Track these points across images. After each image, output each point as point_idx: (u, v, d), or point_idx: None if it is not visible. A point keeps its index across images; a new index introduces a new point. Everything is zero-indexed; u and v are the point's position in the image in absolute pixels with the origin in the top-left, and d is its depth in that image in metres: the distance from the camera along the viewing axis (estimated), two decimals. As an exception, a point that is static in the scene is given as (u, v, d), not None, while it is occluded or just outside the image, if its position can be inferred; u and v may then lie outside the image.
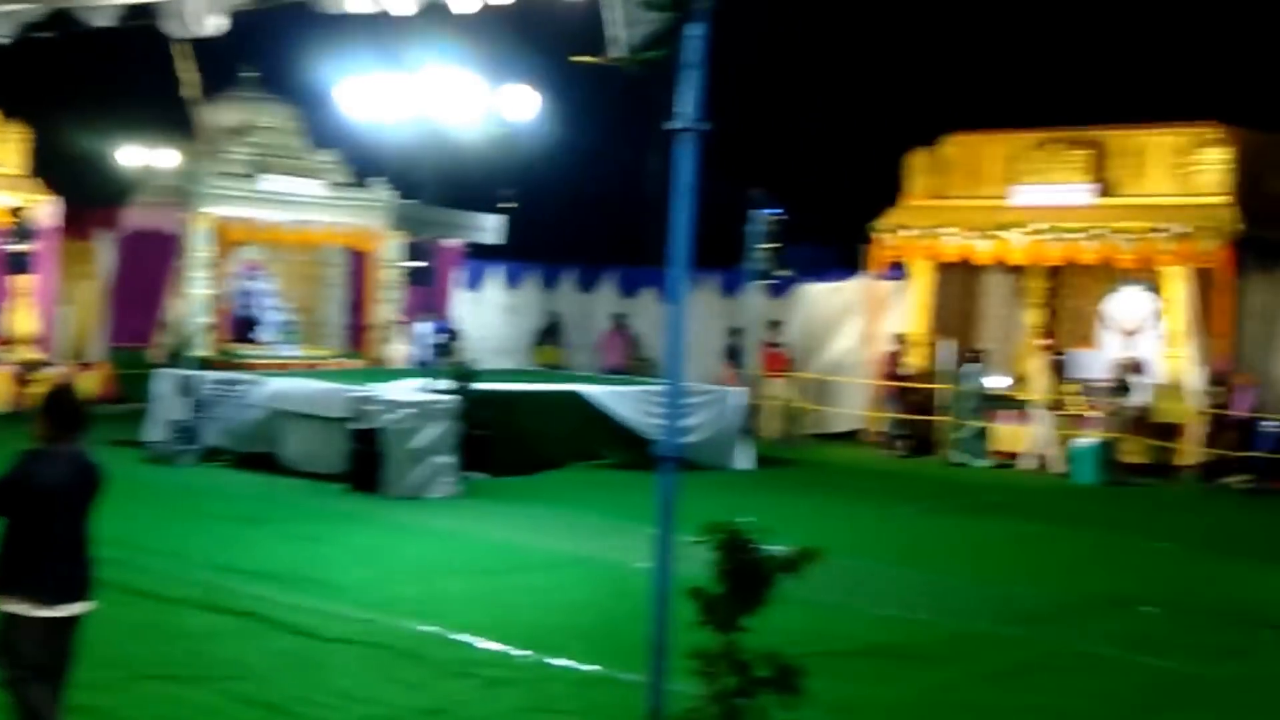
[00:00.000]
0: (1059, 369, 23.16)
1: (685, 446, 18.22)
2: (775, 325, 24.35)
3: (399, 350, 26.87)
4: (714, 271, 26.59)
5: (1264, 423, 20.76)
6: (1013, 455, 21.94)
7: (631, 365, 25.92)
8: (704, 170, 7.78)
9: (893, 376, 23.73)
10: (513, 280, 29.69)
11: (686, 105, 7.10)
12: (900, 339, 24.02)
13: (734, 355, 24.53)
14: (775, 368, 24.09)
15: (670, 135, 7.48)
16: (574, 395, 19.35)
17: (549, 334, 28.33)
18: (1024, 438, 21.89)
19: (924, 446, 22.92)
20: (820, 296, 25.72)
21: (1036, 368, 21.05)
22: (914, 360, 23.98)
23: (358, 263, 27.76)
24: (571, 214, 32.69)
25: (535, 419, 18.74)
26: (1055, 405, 21.78)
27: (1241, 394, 20.70)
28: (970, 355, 22.87)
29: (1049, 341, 22.43)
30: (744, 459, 20.13)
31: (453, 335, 27.42)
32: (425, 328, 26.29)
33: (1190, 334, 21.35)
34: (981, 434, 21.94)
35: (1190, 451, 20.92)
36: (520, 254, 28.96)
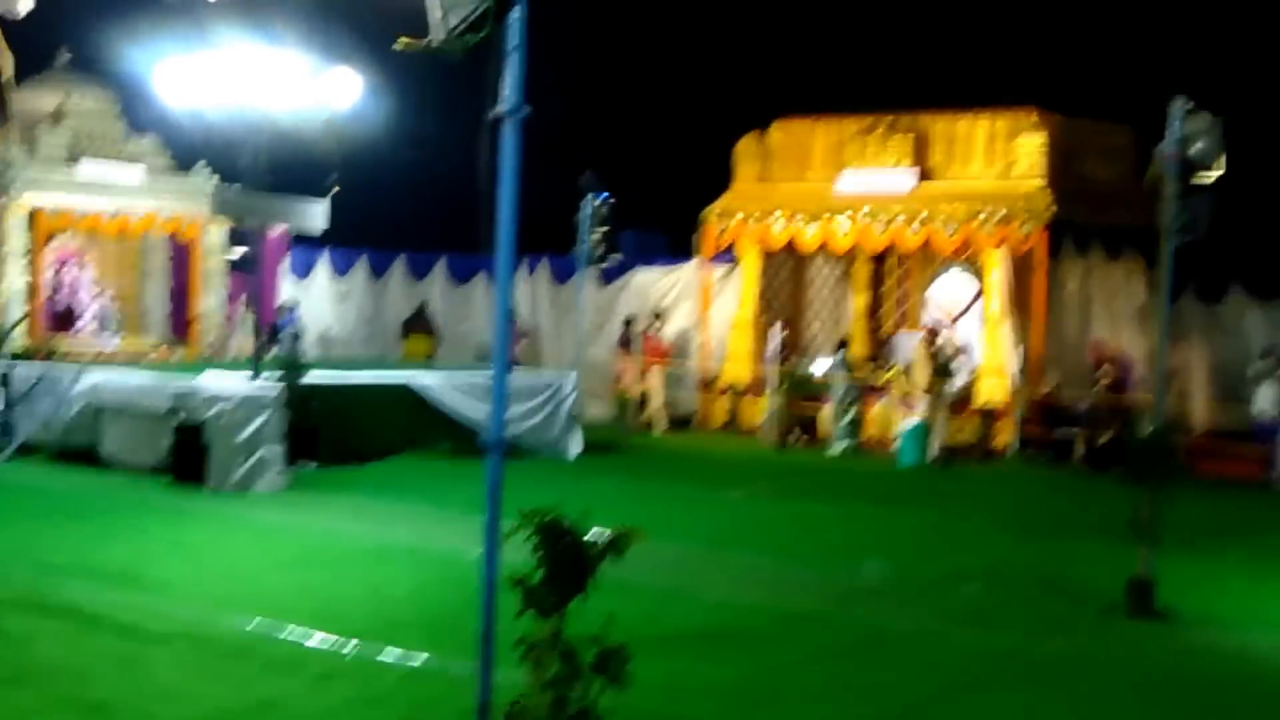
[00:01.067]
0: (888, 352, 23.63)
1: (516, 434, 18.37)
2: (658, 315, 24.34)
3: (231, 339, 26.37)
4: (546, 257, 26.61)
5: (1079, 403, 21.43)
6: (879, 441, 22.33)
7: (523, 356, 25.25)
8: (532, 155, 7.73)
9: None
10: (341, 268, 29.33)
11: (509, 90, 7.05)
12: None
13: (627, 344, 24.18)
14: (656, 357, 23.91)
15: (496, 120, 7.43)
16: (405, 386, 19.18)
17: (416, 322, 27.59)
18: (887, 422, 22.20)
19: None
20: (652, 282, 25.87)
21: (919, 355, 21.10)
22: (740, 346, 24.24)
23: (180, 251, 27.16)
24: (400, 200, 32.41)
25: (365, 410, 18.54)
26: (881, 388, 22.15)
27: (1125, 370, 20.84)
28: (840, 343, 23.12)
29: (931, 326, 22.28)
30: (574, 447, 20.19)
31: (298, 327, 27.03)
32: (251, 316, 25.82)
33: (1007, 316, 21.91)
34: (855, 421, 21.90)
35: (1010, 432, 21.49)
36: (348, 240, 28.64)
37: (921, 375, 20.84)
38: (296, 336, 27.35)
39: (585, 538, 6.20)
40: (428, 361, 23.25)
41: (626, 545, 6.24)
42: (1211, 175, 12.30)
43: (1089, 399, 21.50)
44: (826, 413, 22.63)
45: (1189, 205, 12.21)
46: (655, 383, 23.87)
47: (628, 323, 24.43)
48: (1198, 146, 12.21)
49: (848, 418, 21.67)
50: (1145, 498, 11.21)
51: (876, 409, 22.53)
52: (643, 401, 24.12)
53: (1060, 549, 14.34)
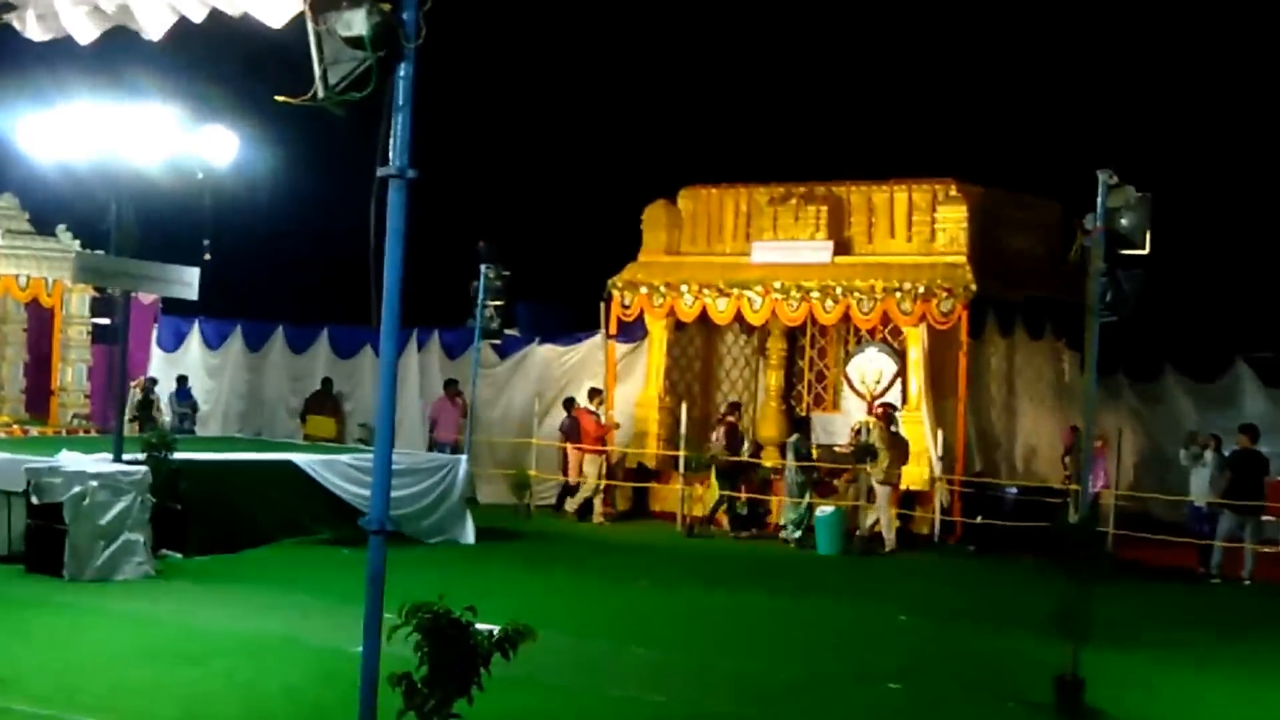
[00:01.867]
0: (805, 432, 23.77)
1: (402, 519, 18.17)
2: (597, 392, 24.10)
3: (91, 415, 25.94)
4: (437, 331, 26.51)
5: (1009, 489, 21.61)
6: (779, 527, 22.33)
7: (461, 440, 24.55)
8: (422, 221, 7.72)
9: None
10: (214, 340, 29.01)
11: (395, 151, 7.04)
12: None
13: (569, 435, 23.78)
14: (594, 439, 23.54)
15: (383, 183, 7.41)
16: (287, 465, 18.94)
17: (320, 401, 27.01)
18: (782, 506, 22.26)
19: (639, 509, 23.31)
20: (552, 357, 25.84)
21: (877, 435, 21.10)
22: (650, 425, 24.24)
23: (39, 319, 26.73)
24: (280, 267, 32.18)
25: (241, 491, 18.26)
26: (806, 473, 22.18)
27: (1097, 464, 20.48)
28: (799, 420, 23.14)
29: (881, 405, 22.09)
30: (467, 533, 20.03)
31: (192, 402, 26.63)
32: (138, 393, 25.46)
33: (927, 396, 22.11)
34: (808, 508, 21.61)
35: (930, 518, 21.62)
36: (223, 311, 28.37)
37: (884, 457, 20.85)
38: (194, 409, 26.97)
39: (474, 632, 6.12)
40: (333, 446, 22.88)
41: (519, 640, 6.17)
42: (1138, 251, 12.53)
43: (1014, 484, 21.72)
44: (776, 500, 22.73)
45: (1116, 281, 12.42)
46: (590, 468, 23.56)
47: (568, 405, 24.05)
48: (1124, 221, 12.45)
49: (800, 507, 21.53)
50: (1072, 589, 11.28)
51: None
52: (574, 488, 23.83)
53: (985, 644, 14.39)
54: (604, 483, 23.62)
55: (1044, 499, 20.62)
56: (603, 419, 23.93)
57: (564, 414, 24.12)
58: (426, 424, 25.16)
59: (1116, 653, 13.30)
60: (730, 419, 22.99)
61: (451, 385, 25.02)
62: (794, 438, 22.05)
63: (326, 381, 26.87)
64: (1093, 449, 20.87)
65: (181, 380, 27.33)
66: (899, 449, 21.21)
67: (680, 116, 33.01)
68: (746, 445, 23.37)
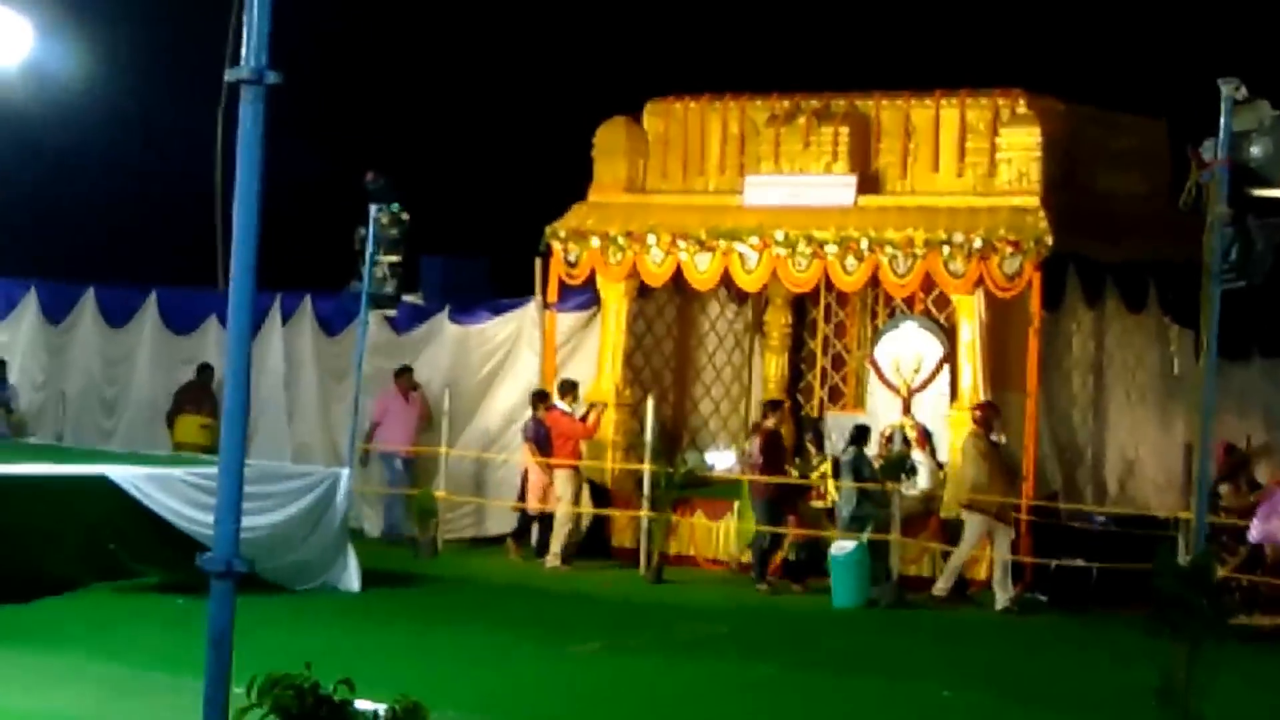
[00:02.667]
0: (817, 440, 23.78)
1: (258, 556, 18.10)
2: (571, 386, 23.93)
3: None
4: (310, 296, 26.46)
5: (1096, 519, 21.70)
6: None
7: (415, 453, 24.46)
8: (287, 145, 7.71)
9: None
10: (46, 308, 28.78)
11: (250, 47, 7.04)
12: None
13: (539, 443, 23.50)
14: (571, 445, 23.51)
15: (233, 90, 7.42)
16: (99, 481, 18.89)
17: (192, 395, 26.61)
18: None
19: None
20: (470, 334, 25.83)
21: (973, 448, 21.11)
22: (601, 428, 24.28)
23: None
24: (91, 210, 32.08)
25: (34, 518, 18.22)
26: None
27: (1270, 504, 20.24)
28: (808, 421, 23.15)
29: (980, 406, 21.73)
30: (349, 576, 20.04)
31: (8, 394, 26.51)
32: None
33: (985, 390, 22.21)
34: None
35: (987, 559, 21.69)
36: (9, 269, 28.25)
37: (980, 472, 20.89)
38: (7, 405, 26.88)
39: (351, 713, 6.16)
40: (184, 457, 22.72)
41: (413, 725, 6.21)
42: (1277, 191, 12.63)
43: (1103, 513, 21.81)
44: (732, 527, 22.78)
45: (1245, 233, 12.51)
46: (566, 488, 23.33)
47: (537, 401, 23.84)
48: (1256, 150, 12.54)
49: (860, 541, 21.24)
50: (1179, 656, 11.36)
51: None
52: (537, 520, 23.71)
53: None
54: (587, 510, 23.49)
55: (1147, 532, 20.68)
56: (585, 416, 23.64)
57: (526, 413, 24.02)
58: (364, 426, 24.76)
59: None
60: (769, 423, 22.66)
61: (405, 374, 25.00)
62: (849, 451, 21.88)
63: (204, 369, 26.53)
64: (1257, 481, 21.10)
65: None
66: (1001, 467, 21.21)
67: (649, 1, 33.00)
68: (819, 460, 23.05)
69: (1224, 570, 19.72)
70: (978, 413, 21.54)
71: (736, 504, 22.69)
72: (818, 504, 22.45)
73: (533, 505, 23.71)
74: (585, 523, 23.62)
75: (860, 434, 22.13)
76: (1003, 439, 21.45)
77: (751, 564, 22.32)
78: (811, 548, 22.20)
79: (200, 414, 25.93)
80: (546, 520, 23.57)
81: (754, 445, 22.48)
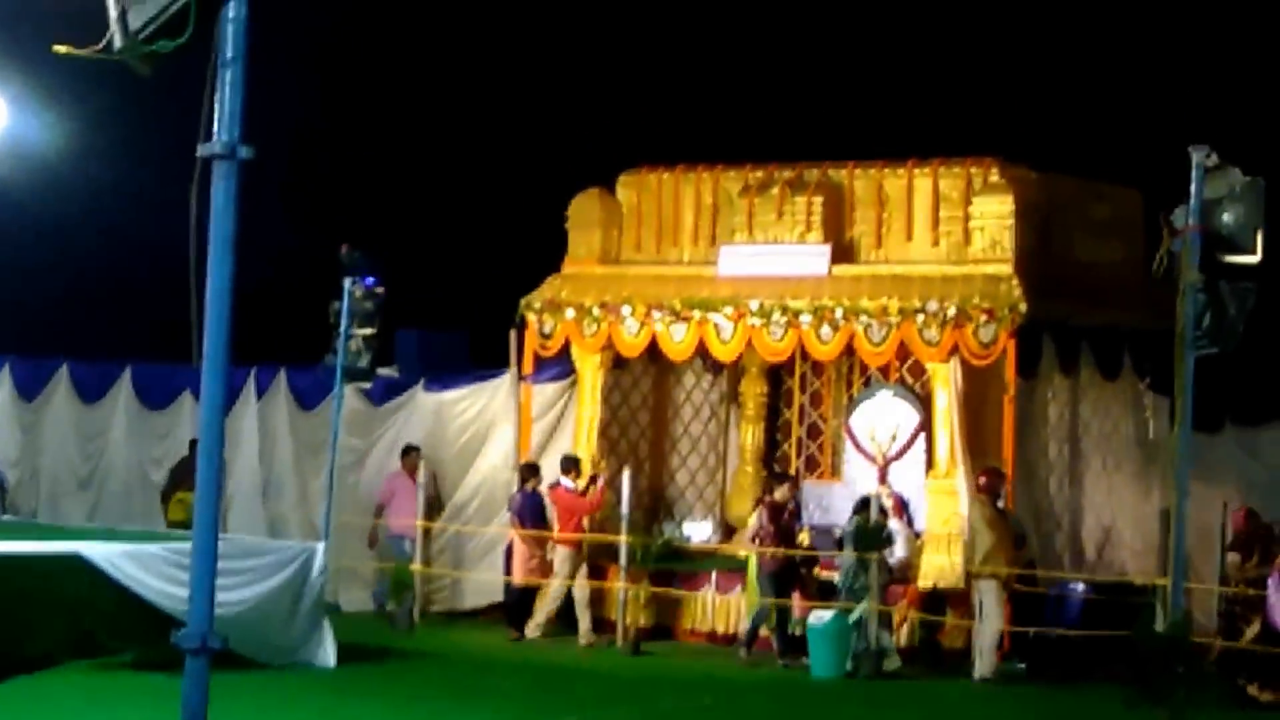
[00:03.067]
0: (794, 511, 23.79)
1: (234, 633, 17.99)
2: (573, 462, 23.84)
3: None
4: (285, 370, 26.44)
5: (1074, 586, 21.66)
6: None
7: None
8: (262, 218, 7.70)
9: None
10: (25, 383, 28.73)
11: (223, 120, 7.04)
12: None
13: (525, 518, 23.37)
14: (575, 520, 23.34)
15: (206, 164, 7.43)
16: (73, 560, 18.78)
17: (187, 473, 26.41)
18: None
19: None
20: (444, 405, 25.81)
21: (979, 516, 21.11)
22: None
23: None
24: (60, 282, 32.04)
25: (6, 598, 18.10)
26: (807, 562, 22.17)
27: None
28: (861, 502, 22.94)
29: (984, 472, 21.56)
30: (324, 652, 19.96)
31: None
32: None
33: (962, 458, 22.20)
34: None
35: (965, 627, 21.64)
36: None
37: (988, 540, 20.76)
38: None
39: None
40: (148, 533, 22.58)
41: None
42: (1247, 257, 12.68)
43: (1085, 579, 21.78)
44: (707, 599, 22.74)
45: (1217, 300, 12.55)
46: (564, 565, 23.08)
47: (527, 474, 23.79)
48: (1227, 217, 12.59)
49: (858, 612, 21.05)
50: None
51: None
52: (521, 596, 23.63)
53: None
54: (586, 585, 23.21)
55: (1125, 599, 20.65)
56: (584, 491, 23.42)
57: (513, 487, 23.97)
58: (368, 504, 24.74)
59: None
60: (776, 496, 22.29)
61: (412, 453, 24.77)
62: (854, 520, 21.72)
63: (195, 444, 26.25)
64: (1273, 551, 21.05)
65: None
66: (1008, 533, 21.13)
67: (621, 74, 33.07)
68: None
69: (1241, 642, 19.74)
70: (983, 479, 21.39)
71: (745, 577, 22.49)
72: (825, 574, 22.29)
73: (519, 580, 23.61)
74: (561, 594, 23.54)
75: (863, 504, 21.91)
76: (1010, 506, 21.46)
77: (745, 639, 22.12)
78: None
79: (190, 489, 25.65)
80: (531, 595, 23.49)
81: (762, 517, 22.13)
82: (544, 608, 23.26)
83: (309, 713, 16.34)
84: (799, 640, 21.76)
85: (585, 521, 23.38)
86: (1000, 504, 21.26)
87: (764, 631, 22.05)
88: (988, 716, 18.85)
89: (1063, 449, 23.43)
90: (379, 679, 19.43)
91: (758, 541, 22.10)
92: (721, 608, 22.96)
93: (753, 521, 22.56)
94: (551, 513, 23.48)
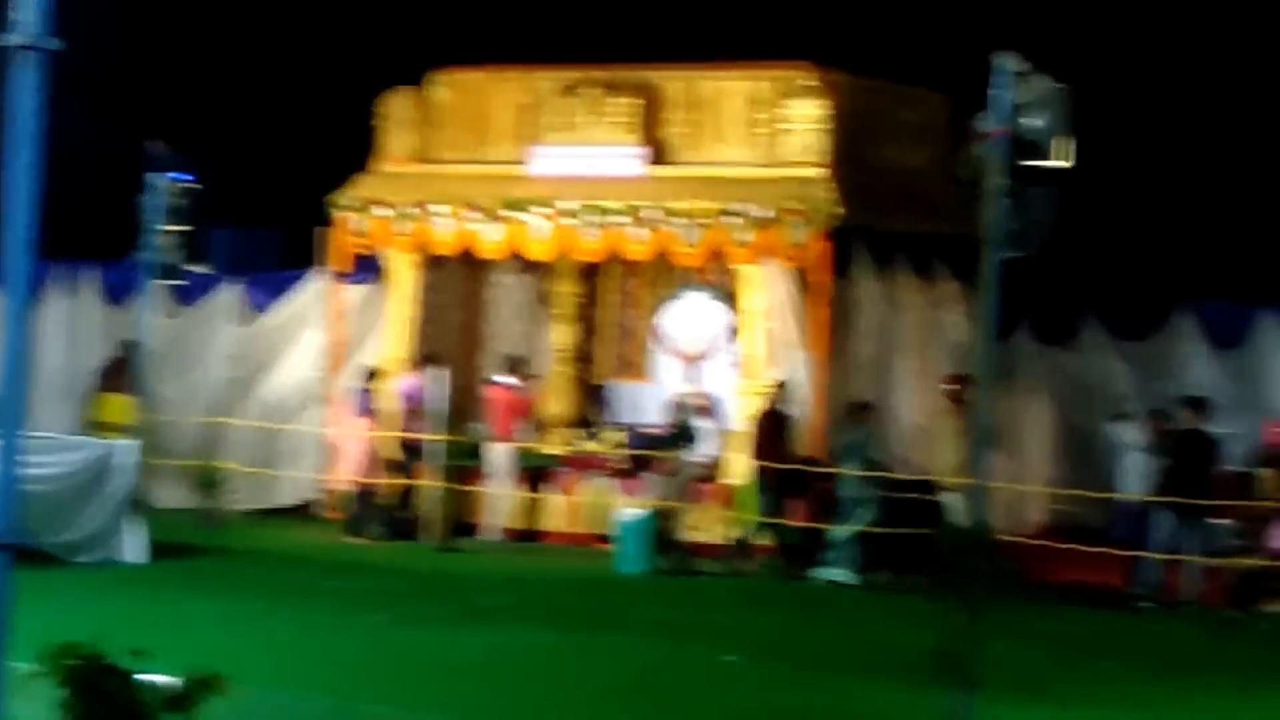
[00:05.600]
0: (601, 409, 23.88)
1: (37, 526, 17.86)
2: (517, 362, 23.84)
3: None
4: (94, 267, 26.08)
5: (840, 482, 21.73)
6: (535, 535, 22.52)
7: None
8: (67, 111, 7.61)
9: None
10: None
11: (26, 10, 6.94)
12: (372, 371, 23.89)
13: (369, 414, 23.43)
14: (508, 421, 23.39)
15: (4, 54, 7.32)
16: None
17: (115, 374, 25.65)
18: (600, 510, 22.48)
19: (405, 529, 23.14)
20: (255, 306, 25.65)
21: (943, 418, 21.09)
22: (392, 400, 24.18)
23: None
24: None
25: None
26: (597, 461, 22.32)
27: None
28: (592, 390, 22.94)
29: (948, 378, 21.73)
30: (135, 547, 19.85)
31: None
32: None
33: (774, 360, 22.36)
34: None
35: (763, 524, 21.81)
36: None
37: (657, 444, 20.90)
38: None
39: (139, 685, 6.11)
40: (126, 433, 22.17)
41: (203, 696, 6.17)
42: (1054, 163, 12.84)
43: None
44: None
45: (1021, 205, 12.72)
46: (505, 458, 23.26)
47: (371, 375, 23.73)
48: (1033, 122, 12.75)
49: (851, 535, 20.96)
50: (958, 621, 11.53)
51: (586, 491, 22.82)
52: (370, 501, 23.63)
53: (837, 695, 14.66)
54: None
55: (936, 498, 20.84)
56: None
57: (323, 386, 23.99)
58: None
59: (1016, 703, 13.64)
60: (769, 409, 21.90)
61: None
62: (854, 433, 21.63)
63: (129, 345, 25.25)
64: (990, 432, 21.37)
65: None
66: (677, 427, 21.54)
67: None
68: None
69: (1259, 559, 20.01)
70: (949, 384, 21.47)
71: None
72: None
73: (351, 478, 23.57)
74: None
75: (858, 410, 21.73)
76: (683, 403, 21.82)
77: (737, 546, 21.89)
78: (812, 533, 21.60)
79: (116, 390, 25.16)
80: (367, 493, 23.52)
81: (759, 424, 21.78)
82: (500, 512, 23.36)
83: (119, 605, 16.26)
84: (800, 549, 21.50)
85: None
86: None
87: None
88: (787, 606, 19.10)
89: (877, 350, 23.58)
90: (191, 575, 19.38)
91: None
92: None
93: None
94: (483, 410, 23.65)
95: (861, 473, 21.29)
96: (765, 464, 21.40)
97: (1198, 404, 20.73)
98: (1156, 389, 22.68)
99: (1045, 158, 12.74)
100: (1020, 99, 12.67)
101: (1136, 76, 28.53)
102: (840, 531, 21.15)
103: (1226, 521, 20.57)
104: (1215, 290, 24.07)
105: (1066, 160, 12.87)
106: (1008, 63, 12.64)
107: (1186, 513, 20.08)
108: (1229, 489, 20.49)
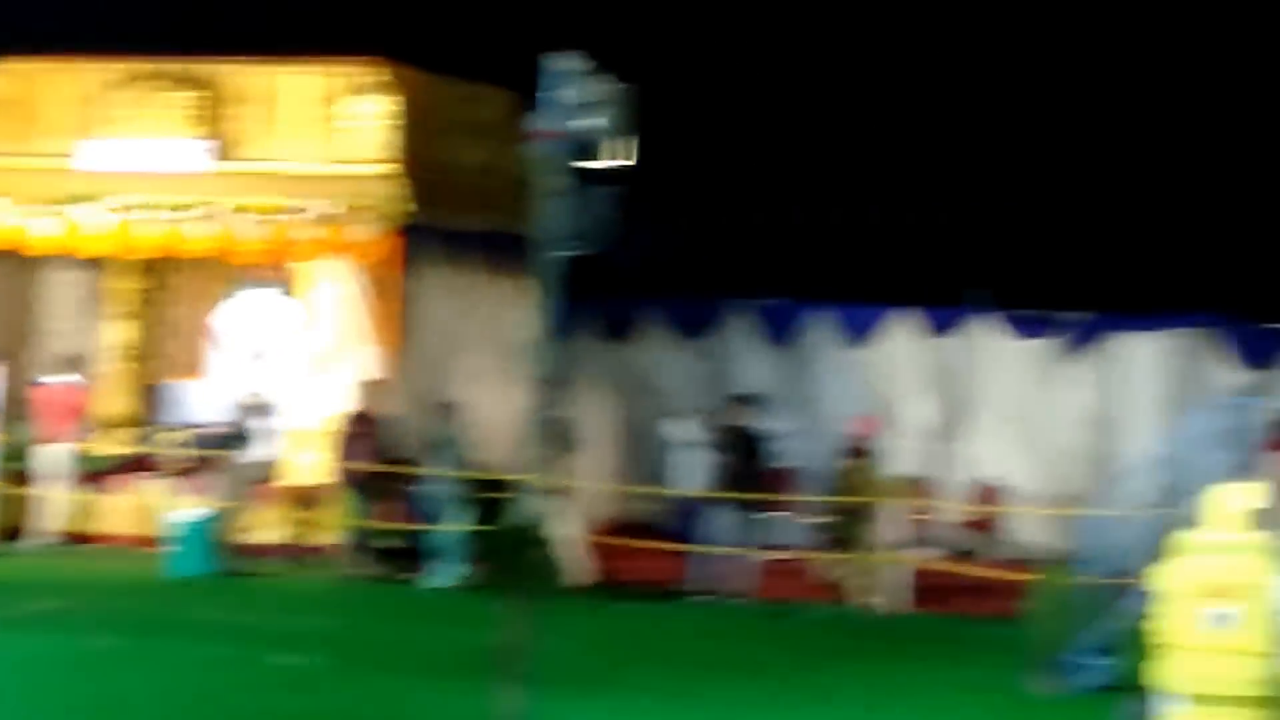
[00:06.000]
0: (158, 407, 23.50)
1: None
2: (74, 360, 23.09)
3: None
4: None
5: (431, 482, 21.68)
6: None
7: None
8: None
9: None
10: None
11: None
12: None
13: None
14: (62, 421, 22.49)
15: None
16: None
17: None
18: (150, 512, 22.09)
19: None
20: None
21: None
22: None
23: None
24: None
25: None
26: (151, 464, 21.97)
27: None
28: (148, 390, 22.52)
29: (859, 423, 21.42)
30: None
31: None
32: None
33: (338, 358, 22.30)
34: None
35: (336, 525, 21.69)
36: None
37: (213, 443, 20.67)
38: None
39: None
40: None
41: None
42: (610, 163, 12.95)
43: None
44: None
45: (581, 204, 12.80)
46: (58, 460, 22.42)
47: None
48: (589, 122, 12.82)
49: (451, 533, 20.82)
50: (512, 615, 11.56)
51: (144, 492, 22.49)
52: None
53: (400, 697, 14.69)
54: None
55: (492, 493, 20.90)
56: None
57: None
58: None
59: (572, 698, 13.84)
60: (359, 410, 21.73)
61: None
62: (443, 431, 21.40)
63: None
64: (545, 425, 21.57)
65: None
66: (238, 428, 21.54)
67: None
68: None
69: None
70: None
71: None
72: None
73: None
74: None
75: (445, 410, 21.64)
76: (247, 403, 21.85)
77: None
78: (415, 534, 21.44)
79: None
80: None
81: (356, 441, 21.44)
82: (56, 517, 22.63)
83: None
84: (401, 551, 21.38)
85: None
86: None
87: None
88: (351, 607, 19.09)
89: (447, 346, 23.64)
90: None
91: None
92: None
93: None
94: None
95: (453, 473, 21.22)
96: (353, 465, 21.26)
97: (747, 400, 21.23)
98: (715, 386, 23.16)
99: (601, 157, 12.83)
100: (579, 99, 12.74)
101: (708, 76, 29.06)
102: (439, 535, 21.08)
103: (785, 514, 21.15)
104: (770, 288, 24.63)
105: (627, 159, 12.98)
106: (561, 63, 12.70)
107: (742, 507, 20.52)
108: (781, 484, 21.06)
